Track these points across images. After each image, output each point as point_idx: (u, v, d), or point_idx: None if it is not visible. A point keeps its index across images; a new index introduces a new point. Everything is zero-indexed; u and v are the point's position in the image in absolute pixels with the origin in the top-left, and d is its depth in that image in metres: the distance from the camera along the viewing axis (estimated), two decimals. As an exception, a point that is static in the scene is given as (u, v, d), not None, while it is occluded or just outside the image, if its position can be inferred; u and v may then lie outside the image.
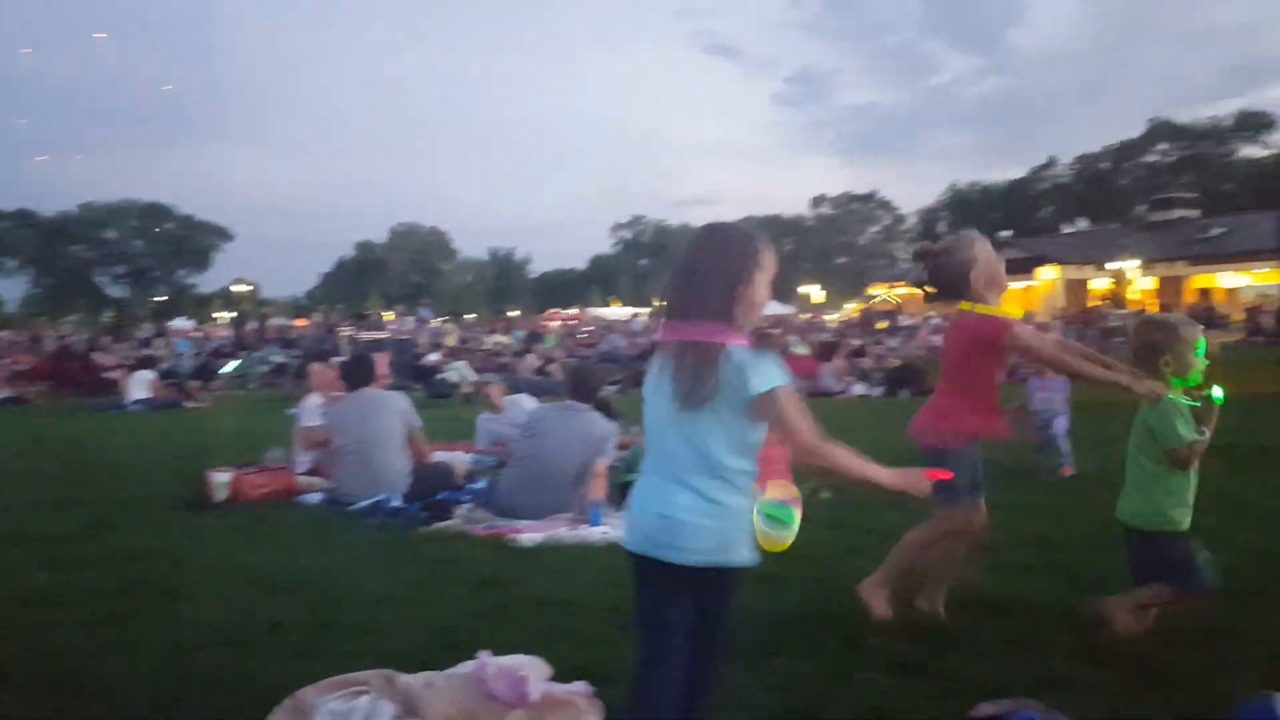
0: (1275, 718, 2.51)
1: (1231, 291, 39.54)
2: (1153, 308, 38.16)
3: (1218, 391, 3.40)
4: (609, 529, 5.63)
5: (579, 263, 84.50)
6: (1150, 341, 3.54)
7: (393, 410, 6.69)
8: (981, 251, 3.73)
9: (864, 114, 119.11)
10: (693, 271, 2.32)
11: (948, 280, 3.75)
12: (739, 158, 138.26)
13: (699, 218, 78.72)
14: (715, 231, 2.40)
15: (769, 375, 2.22)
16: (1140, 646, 3.45)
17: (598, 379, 6.90)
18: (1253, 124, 64.47)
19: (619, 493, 6.23)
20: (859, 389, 16.56)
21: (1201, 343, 3.48)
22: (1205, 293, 38.16)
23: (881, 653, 3.49)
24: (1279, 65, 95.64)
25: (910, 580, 3.91)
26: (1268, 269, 36.89)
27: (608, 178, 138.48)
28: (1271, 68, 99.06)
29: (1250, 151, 64.65)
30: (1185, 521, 3.51)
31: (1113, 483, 6.88)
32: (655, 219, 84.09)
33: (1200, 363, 3.45)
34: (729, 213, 76.36)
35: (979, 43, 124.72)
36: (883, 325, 34.77)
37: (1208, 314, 31.66)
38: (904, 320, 37.99)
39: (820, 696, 3.12)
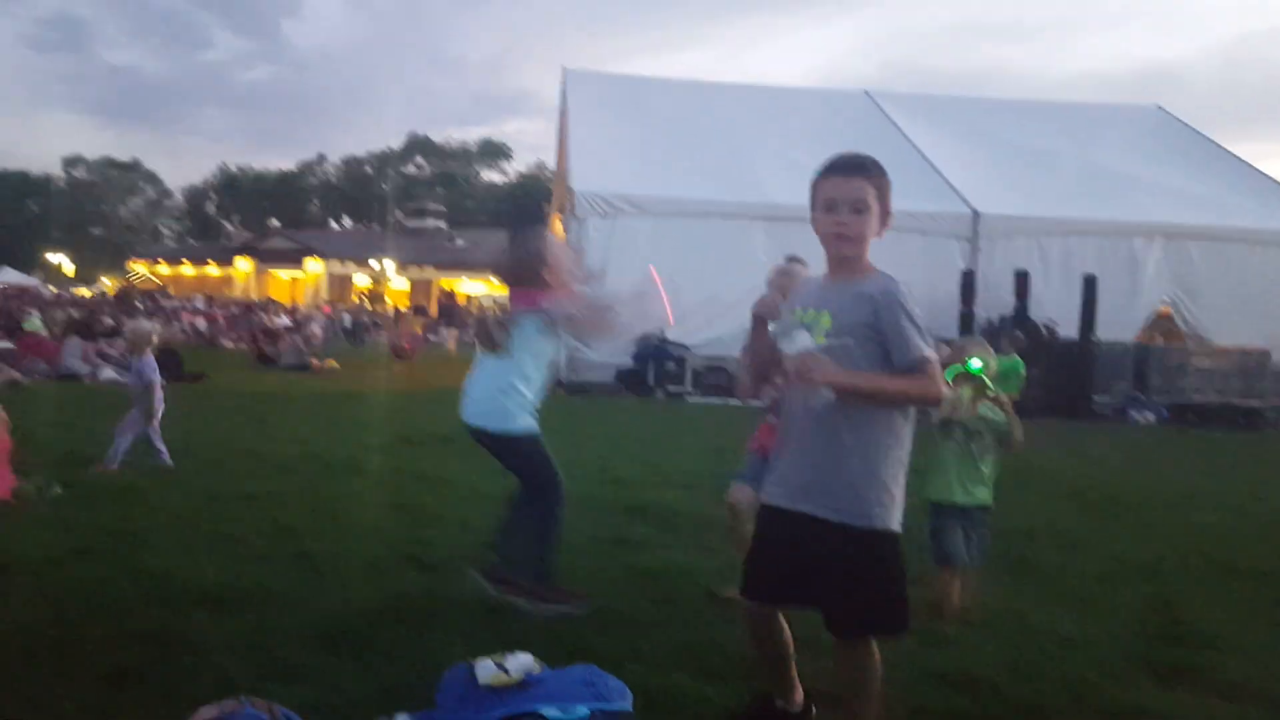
0: (474, 680, 2.84)
1: (471, 296, 45.22)
2: (404, 304, 41.79)
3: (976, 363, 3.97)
4: None
5: None
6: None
7: None
8: None
9: (127, 76, 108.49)
10: None
11: None
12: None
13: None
14: None
15: None
16: (363, 627, 3.69)
17: None
18: (492, 152, 74.45)
19: None
20: (108, 373, 15.00)
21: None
22: (450, 295, 42.68)
23: (100, 663, 3.19)
24: (515, 103, 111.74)
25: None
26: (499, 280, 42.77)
27: None
28: (509, 104, 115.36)
29: (490, 175, 74.39)
30: (945, 495, 4.03)
31: (353, 469, 7.30)
32: None
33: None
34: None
35: (253, 26, 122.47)
36: (141, 305, 32.28)
37: (450, 314, 35.61)
38: (166, 301, 35.77)
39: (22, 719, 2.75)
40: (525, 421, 3.88)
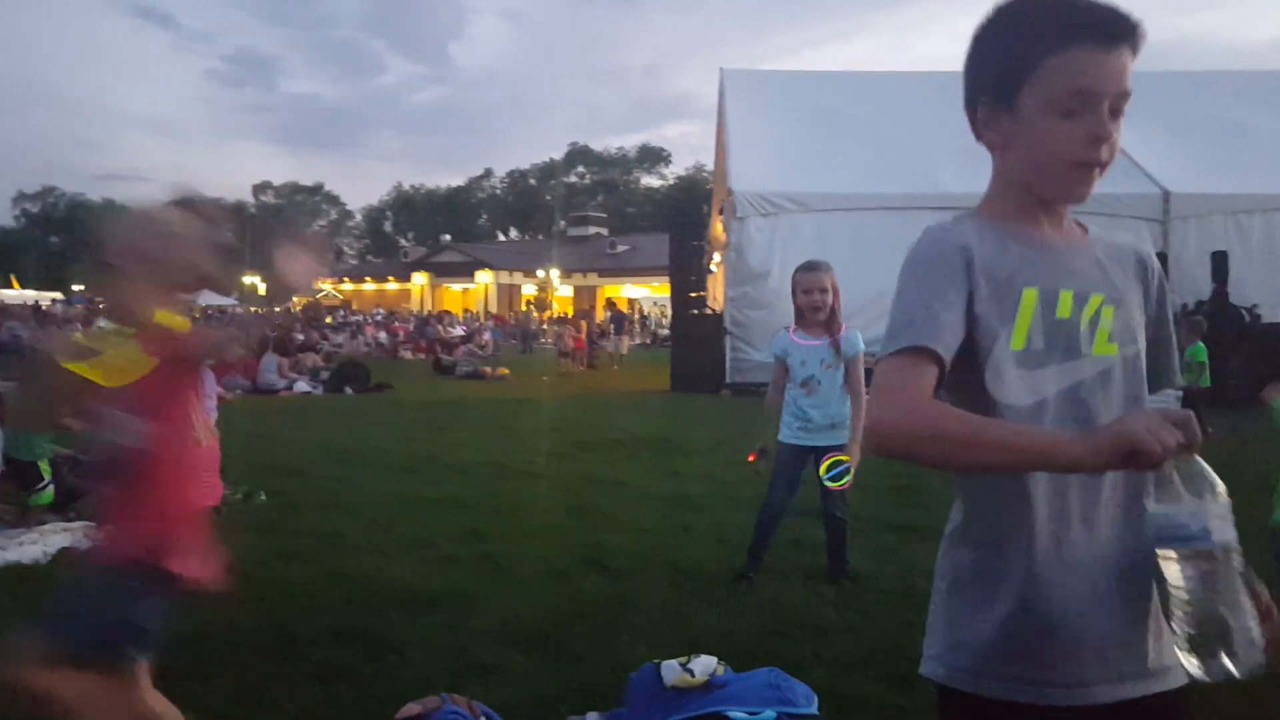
0: (660, 681, 2.88)
1: (633, 301, 45.85)
2: (569, 311, 42.75)
3: None
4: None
5: (-36, 234, 71.26)
6: None
7: None
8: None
9: (307, 104, 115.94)
10: None
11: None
12: (170, 134, 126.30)
13: (124, 194, 71.32)
14: None
15: None
16: (551, 628, 3.80)
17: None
18: (651, 157, 75.23)
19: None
20: (302, 385, 16.08)
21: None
22: (612, 301, 43.39)
23: (311, 662, 3.42)
24: (672, 108, 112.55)
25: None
26: (661, 283, 43.17)
27: (7, 142, 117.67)
28: (669, 108, 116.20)
29: (649, 181, 75.20)
30: None
31: (530, 473, 7.46)
32: (71, 192, 74.45)
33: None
34: (159, 192, 69.33)
35: (422, 51, 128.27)
36: (328, 320, 34.29)
37: (618, 320, 36.13)
38: (350, 316, 37.84)
39: (244, 715, 2.96)
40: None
